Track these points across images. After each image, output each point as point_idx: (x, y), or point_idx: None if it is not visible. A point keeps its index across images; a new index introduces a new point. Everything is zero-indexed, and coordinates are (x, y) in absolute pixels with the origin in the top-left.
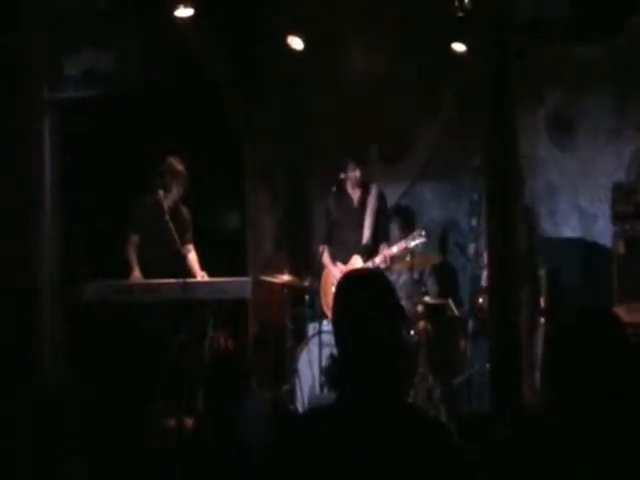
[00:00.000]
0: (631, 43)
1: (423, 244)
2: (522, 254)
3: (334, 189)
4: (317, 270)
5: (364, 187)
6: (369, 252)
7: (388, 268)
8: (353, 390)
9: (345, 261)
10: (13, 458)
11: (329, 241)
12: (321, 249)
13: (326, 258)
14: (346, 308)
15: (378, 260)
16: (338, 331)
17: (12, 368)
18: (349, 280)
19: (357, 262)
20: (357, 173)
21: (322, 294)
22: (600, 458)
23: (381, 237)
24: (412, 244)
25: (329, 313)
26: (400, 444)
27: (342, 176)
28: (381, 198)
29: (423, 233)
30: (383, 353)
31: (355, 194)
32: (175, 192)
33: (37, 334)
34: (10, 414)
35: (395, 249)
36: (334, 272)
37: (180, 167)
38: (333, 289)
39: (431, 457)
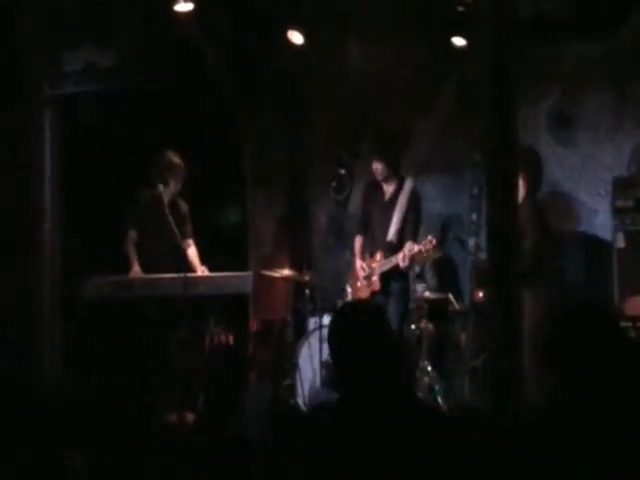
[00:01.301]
0: (632, 39)
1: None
2: (531, 249)
3: (334, 184)
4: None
5: (399, 182)
6: (393, 249)
7: (408, 267)
8: (354, 389)
9: (372, 254)
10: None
11: (364, 232)
12: (356, 240)
13: (357, 249)
14: (344, 339)
15: (399, 257)
16: (336, 358)
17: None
18: (345, 313)
19: (379, 258)
20: (379, 166)
21: (349, 283)
22: (600, 451)
23: (407, 235)
24: (426, 252)
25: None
26: (405, 435)
27: (342, 171)
28: (413, 195)
29: (433, 241)
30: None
31: (388, 188)
32: (173, 186)
33: (37, 330)
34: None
35: (416, 248)
36: (357, 265)
37: (178, 161)
38: (359, 284)
39: (434, 447)
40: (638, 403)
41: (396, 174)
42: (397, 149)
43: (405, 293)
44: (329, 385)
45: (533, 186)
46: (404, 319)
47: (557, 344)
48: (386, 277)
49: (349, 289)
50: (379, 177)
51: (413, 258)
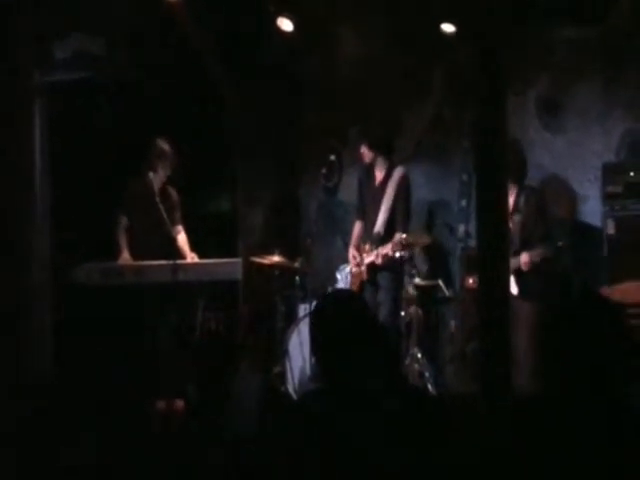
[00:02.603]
0: (619, 26)
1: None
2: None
3: (324, 171)
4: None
5: (389, 168)
6: (381, 240)
7: (384, 260)
8: (342, 374)
9: (365, 242)
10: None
11: (362, 217)
12: (355, 225)
13: (354, 235)
14: (324, 332)
15: (375, 253)
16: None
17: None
18: (324, 305)
19: (367, 248)
20: (365, 150)
21: (349, 269)
22: (587, 439)
23: (397, 225)
24: (397, 254)
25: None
26: (393, 419)
27: (332, 158)
28: (402, 183)
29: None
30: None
31: (379, 174)
32: (163, 173)
33: (26, 316)
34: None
35: (386, 250)
36: (350, 252)
37: (168, 148)
38: (354, 270)
39: (423, 431)
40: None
41: (387, 159)
42: (385, 134)
43: (394, 285)
44: (315, 378)
45: (517, 175)
46: (394, 309)
47: (554, 333)
48: (375, 268)
49: (339, 276)
50: (366, 160)
51: (387, 256)
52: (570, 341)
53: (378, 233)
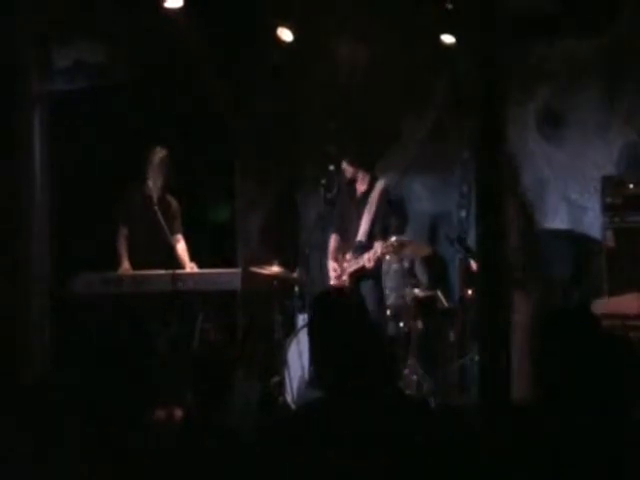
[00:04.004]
0: (620, 38)
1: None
2: (515, 248)
3: (324, 181)
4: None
5: (371, 181)
6: (363, 248)
7: (376, 263)
8: (340, 384)
9: (344, 254)
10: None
11: (339, 231)
12: (331, 239)
13: (331, 248)
14: (321, 330)
15: (365, 258)
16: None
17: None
18: (322, 303)
19: (349, 258)
20: (348, 167)
21: (324, 282)
22: (584, 450)
23: (377, 234)
24: (388, 253)
25: None
26: (390, 431)
27: (331, 168)
28: (384, 196)
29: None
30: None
31: (360, 187)
32: (162, 182)
33: (25, 325)
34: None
35: (379, 250)
36: (330, 265)
37: (166, 156)
38: (331, 284)
39: (419, 442)
40: (627, 402)
41: (368, 173)
42: (366, 150)
43: (375, 293)
44: (313, 383)
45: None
46: (379, 317)
47: (546, 345)
48: (356, 277)
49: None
50: (348, 176)
51: (379, 259)
52: (559, 352)
53: (360, 241)
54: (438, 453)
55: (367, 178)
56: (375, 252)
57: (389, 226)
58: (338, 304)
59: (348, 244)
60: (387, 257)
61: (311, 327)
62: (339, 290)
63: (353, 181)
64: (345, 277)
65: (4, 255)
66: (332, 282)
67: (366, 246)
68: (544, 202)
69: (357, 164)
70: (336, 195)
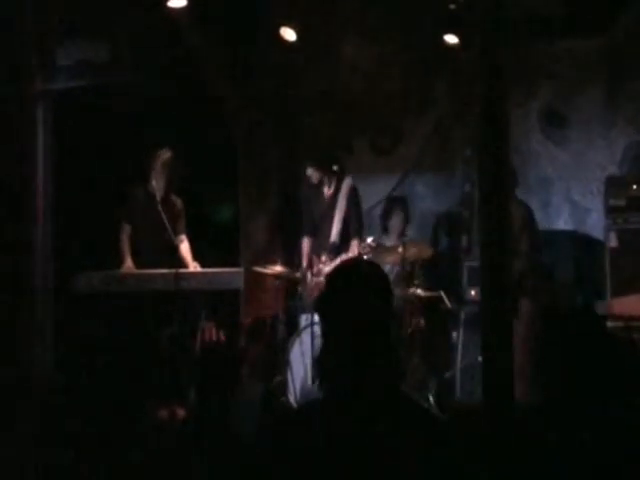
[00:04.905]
0: (623, 38)
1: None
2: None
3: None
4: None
5: (337, 182)
6: (337, 249)
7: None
8: (345, 384)
9: (319, 255)
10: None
11: (311, 233)
12: (303, 241)
13: (304, 251)
14: (339, 303)
15: (341, 259)
16: (329, 326)
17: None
18: (342, 273)
19: (324, 259)
20: (313, 173)
21: (300, 285)
22: (587, 453)
23: (352, 233)
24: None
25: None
26: (394, 436)
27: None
28: (352, 193)
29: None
30: (377, 347)
31: (328, 190)
32: (166, 181)
33: (27, 324)
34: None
35: (356, 250)
36: (305, 267)
37: (171, 157)
38: (308, 285)
39: (423, 449)
40: (629, 402)
41: (334, 175)
42: (330, 155)
43: None
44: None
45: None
46: None
47: (550, 345)
48: None
49: (300, 290)
50: (314, 181)
51: None
52: (562, 353)
53: (334, 243)
54: (443, 460)
55: (333, 180)
56: (352, 253)
57: (362, 225)
58: (357, 275)
59: (321, 246)
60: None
61: (325, 303)
62: (358, 261)
63: (320, 184)
64: (322, 279)
65: (5, 252)
66: (308, 284)
67: (340, 247)
68: (547, 203)
69: (323, 169)
70: (306, 199)
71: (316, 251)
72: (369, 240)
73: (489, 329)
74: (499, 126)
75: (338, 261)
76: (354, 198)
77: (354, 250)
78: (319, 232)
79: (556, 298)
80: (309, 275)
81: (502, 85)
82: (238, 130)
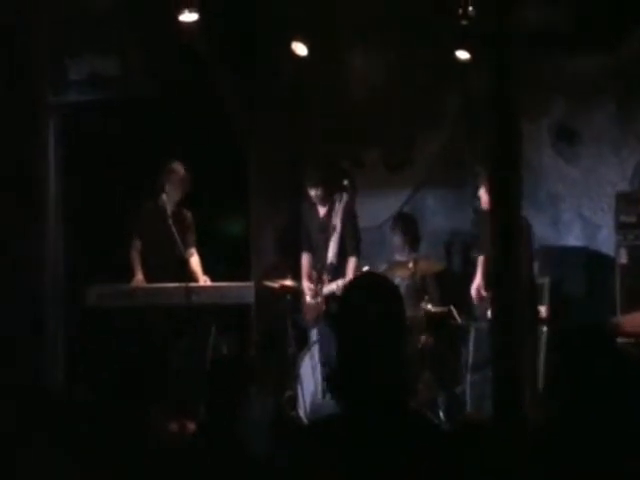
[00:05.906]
0: (634, 55)
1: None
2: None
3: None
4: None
5: (331, 202)
6: (335, 269)
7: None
8: (359, 400)
9: (319, 274)
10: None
11: (310, 250)
12: (303, 258)
13: (304, 267)
14: (352, 318)
15: (339, 283)
16: (342, 341)
17: (16, 370)
18: (356, 289)
19: (324, 278)
20: (317, 192)
21: (301, 301)
22: (598, 469)
23: (350, 251)
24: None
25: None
26: (404, 453)
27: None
28: (347, 212)
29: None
30: (387, 364)
31: (322, 209)
32: (177, 196)
33: (39, 337)
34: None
35: (340, 284)
36: (304, 285)
37: (181, 171)
38: (308, 302)
39: (433, 465)
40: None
41: (329, 194)
42: (325, 174)
43: None
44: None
45: None
46: None
47: (562, 363)
48: (335, 297)
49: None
50: (315, 201)
51: None
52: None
53: (331, 264)
54: (454, 476)
55: (328, 199)
56: (349, 275)
57: (359, 242)
58: (371, 289)
59: (320, 262)
60: None
61: (339, 318)
62: (373, 275)
63: (317, 202)
64: (320, 298)
65: (18, 268)
66: (308, 301)
67: (337, 267)
68: (558, 219)
69: (316, 188)
70: (305, 216)
71: (315, 267)
72: (364, 269)
73: (500, 344)
74: (510, 142)
75: (334, 286)
76: (349, 215)
77: (350, 272)
78: (318, 249)
79: (567, 314)
80: (308, 295)
81: (513, 101)
82: (249, 145)
